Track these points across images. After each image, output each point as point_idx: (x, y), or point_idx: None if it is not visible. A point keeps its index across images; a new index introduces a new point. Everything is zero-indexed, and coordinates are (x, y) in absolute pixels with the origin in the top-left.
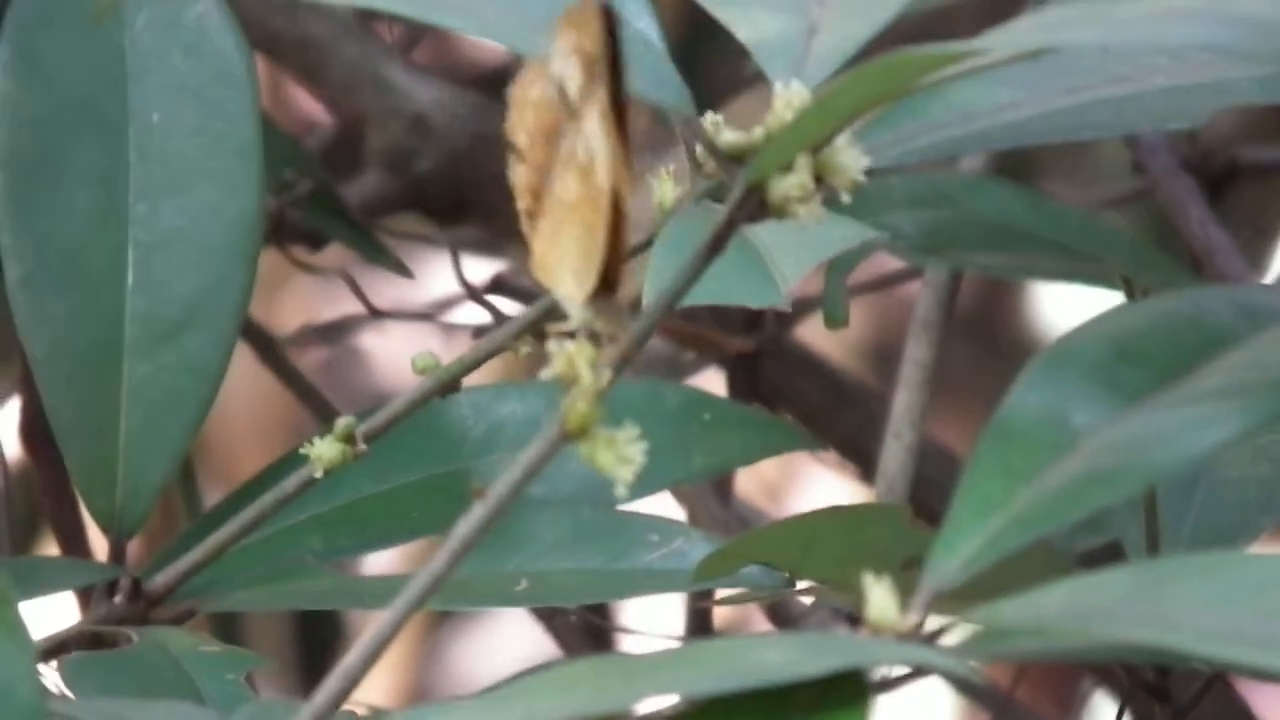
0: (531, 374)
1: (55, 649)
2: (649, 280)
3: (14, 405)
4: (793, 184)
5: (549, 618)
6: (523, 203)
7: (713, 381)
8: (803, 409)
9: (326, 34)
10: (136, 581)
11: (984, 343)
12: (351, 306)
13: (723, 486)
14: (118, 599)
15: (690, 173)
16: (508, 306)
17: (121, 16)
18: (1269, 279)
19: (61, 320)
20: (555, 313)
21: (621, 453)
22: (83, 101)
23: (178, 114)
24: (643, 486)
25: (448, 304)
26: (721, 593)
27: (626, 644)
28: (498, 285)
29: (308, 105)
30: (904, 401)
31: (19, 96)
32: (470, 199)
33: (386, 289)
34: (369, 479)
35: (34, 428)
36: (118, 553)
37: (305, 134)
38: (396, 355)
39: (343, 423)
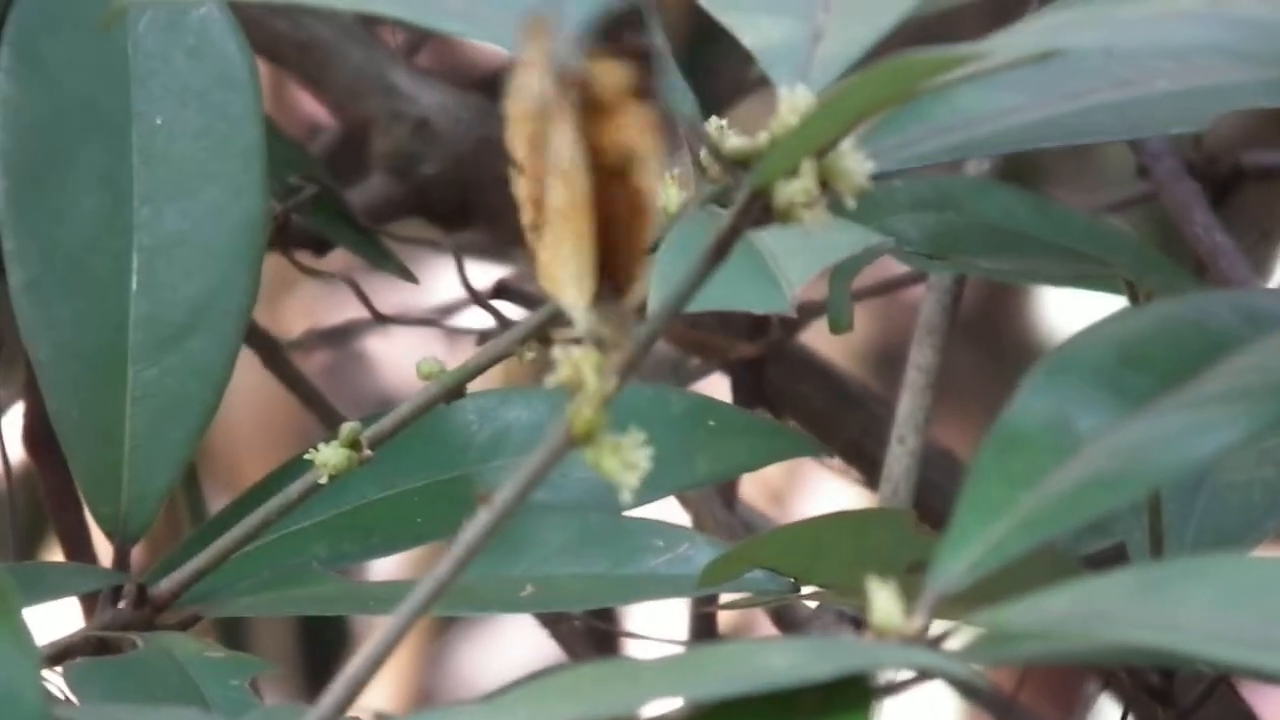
0: (536, 379)
1: (60, 654)
2: (654, 286)
3: (18, 410)
4: (797, 189)
5: (554, 623)
6: (525, 214)
7: (718, 387)
8: (807, 414)
9: (330, 38)
10: (141, 587)
11: (988, 347)
12: (356, 311)
13: (727, 491)
14: (122, 604)
15: (695, 178)
16: (512, 311)
17: (125, 20)
18: (1273, 283)
19: (66, 324)
20: (560, 318)
21: (626, 458)
22: (86, 104)
23: (181, 117)
24: (648, 492)
25: (452, 309)
26: (726, 597)
27: (631, 649)
28: (502, 290)
29: (312, 110)
30: (908, 406)
31: (22, 100)
32: (474, 203)
33: (391, 294)
34: (374, 484)
35: (38, 432)
36: (122, 558)
37: (309, 138)
38: (401, 360)
39: (348, 428)
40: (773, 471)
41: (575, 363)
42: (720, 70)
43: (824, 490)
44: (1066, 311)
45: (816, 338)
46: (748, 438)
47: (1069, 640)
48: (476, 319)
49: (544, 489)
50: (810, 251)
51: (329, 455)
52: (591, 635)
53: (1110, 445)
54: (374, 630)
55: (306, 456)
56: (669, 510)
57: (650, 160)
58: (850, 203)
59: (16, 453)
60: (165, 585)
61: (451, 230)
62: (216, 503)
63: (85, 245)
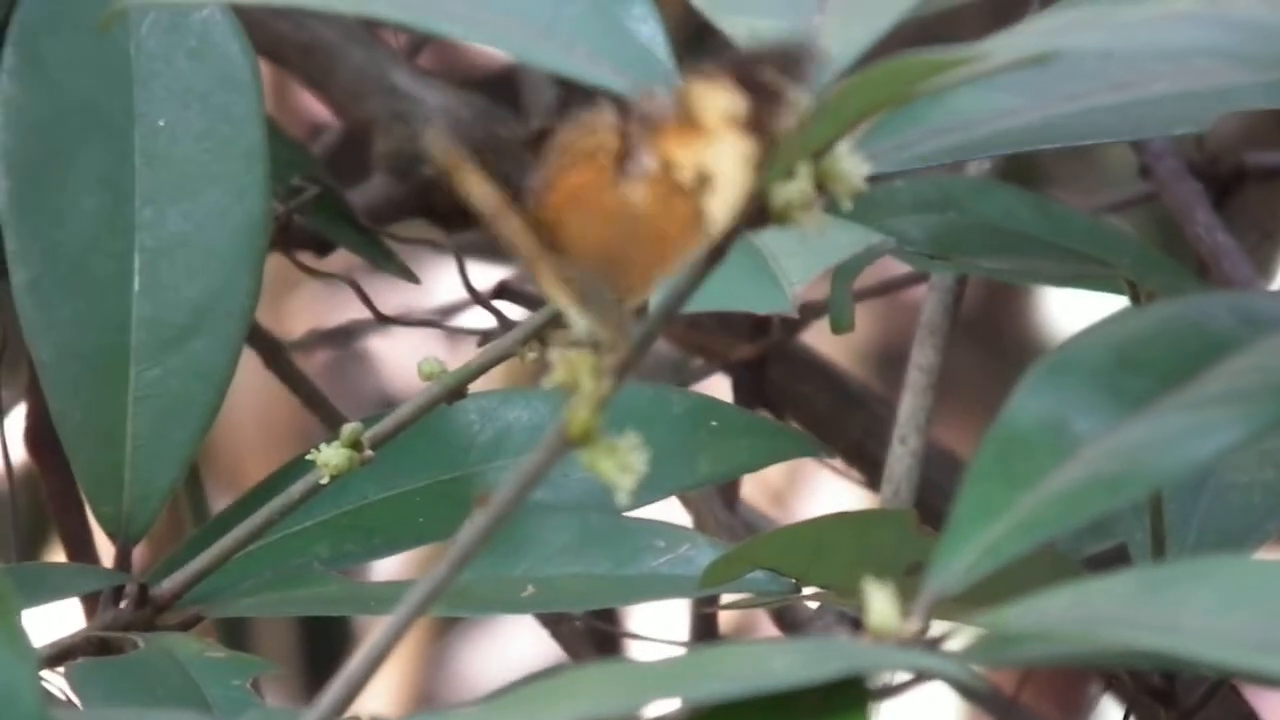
0: (537, 379)
1: (61, 655)
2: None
3: (21, 410)
4: (794, 191)
5: (555, 623)
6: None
7: (719, 387)
8: (808, 414)
9: (332, 39)
10: (143, 587)
11: (990, 347)
12: (358, 312)
13: (729, 492)
14: (124, 605)
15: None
16: (514, 312)
17: (127, 21)
18: (1276, 283)
19: (68, 325)
20: (560, 319)
21: (623, 460)
22: (88, 106)
23: (183, 118)
24: (649, 492)
25: (454, 310)
26: (727, 598)
27: (632, 649)
28: (503, 291)
29: (314, 111)
30: (910, 406)
31: (25, 100)
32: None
33: (393, 294)
34: (376, 485)
35: (40, 433)
36: (124, 558)
37: (311, 139)
38: (403, 361)
39: (349, 428)
40: (774, 472)
41: (571, 364)
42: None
43: (825, 491)
44: (1068, 312)
45: (818, 338)
46: (749, 438)
47: (1070, 642)
48: (478, 319)
49: (545, 489)
50: (811, 252)
51: (330, 455)
52: (592, 636)
53: (1109, 446)
54: (374, 630)
55: (308, 457)
56: (670, 511)
57: (728, 189)
58: (847, 205)
59: (19, 453)
60: (167, 585)
61: (453, 231)
62: (218, 503)
63: (87, 246)
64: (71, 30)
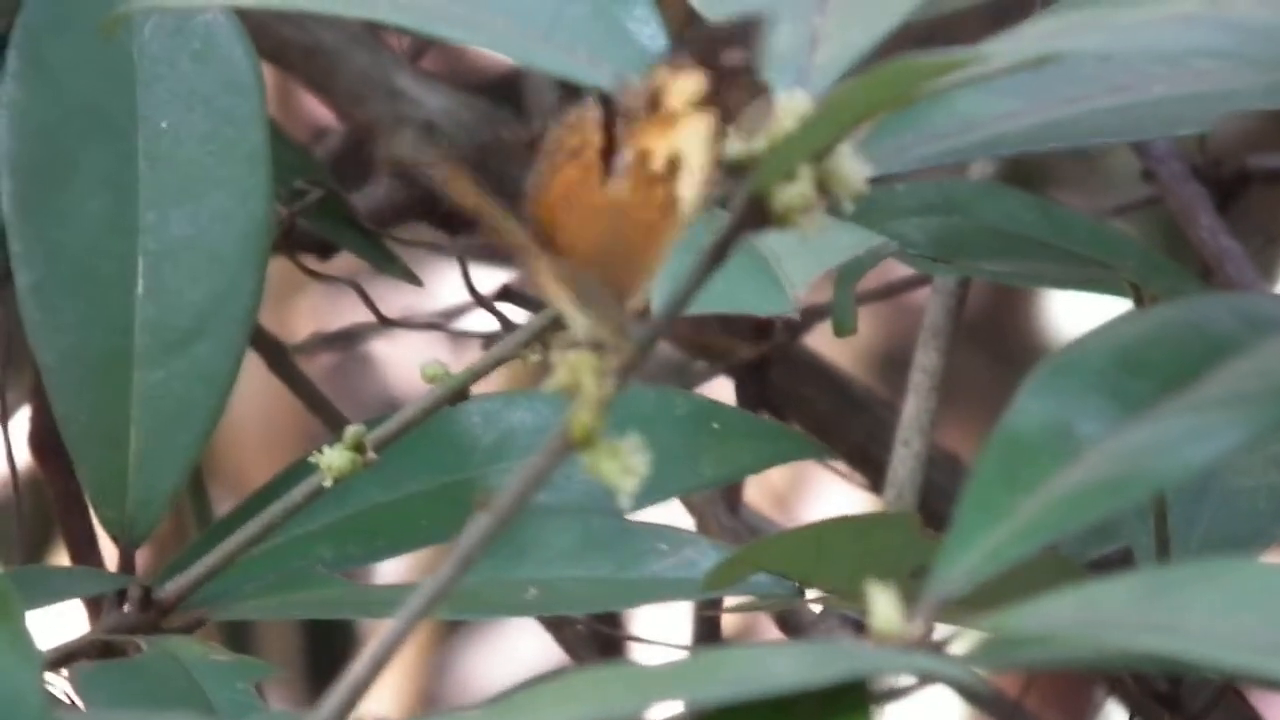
0: (540, 382)
1: (65, 658)
2: (654, 289)
3: (24, 414)
4: (795, 194)
5: (557, 626)
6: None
7: (722, 390)
8: (811, 417)
9: (336, 42)
10: (147, 590)
11: (993, 350)
12: (361, 315)
13: (732, 495)
14: (127, 608)
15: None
16: (516, 315)
17: (130, 24)
18: (1278, 286)
19: (72, 328)
20: (562, 321)
21: (625, 463)
22: (92, 109)
23: (187, 121)
24: (652, 495)
25: (457, 312)
26: (730, 601)
27: (635, 652)
28: (506, 294)
29: (317, 113)
30: (913, 409)
31: (28, 104)
32: None
33: (396, 297)
34: (379, 487)
35: (44, 436)
36: (128, 561)
37: (315, 142)
38: (406, 363)
39: (352, 431)
40: (777, 475)
41: (573, 367)
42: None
43: (828, 494)
44: (1072, 314)
45: (820, 341)
46: (752, 440)
47: (1074, 645)
48: (481, 322)
49: (547, 492)
50: (814, 254)
51: (333, 458)
52: (595, 639)
53: (1111, 449)
54: (378, 633)
55: (311, 459)
56: (673, 514)
57: (696, 169)
58: (849, 207)
59: (23, 457)
60: (170, 588)
61: (456, 234)
62: (222, 506)
63: (91, 249)
64: (75, 33)
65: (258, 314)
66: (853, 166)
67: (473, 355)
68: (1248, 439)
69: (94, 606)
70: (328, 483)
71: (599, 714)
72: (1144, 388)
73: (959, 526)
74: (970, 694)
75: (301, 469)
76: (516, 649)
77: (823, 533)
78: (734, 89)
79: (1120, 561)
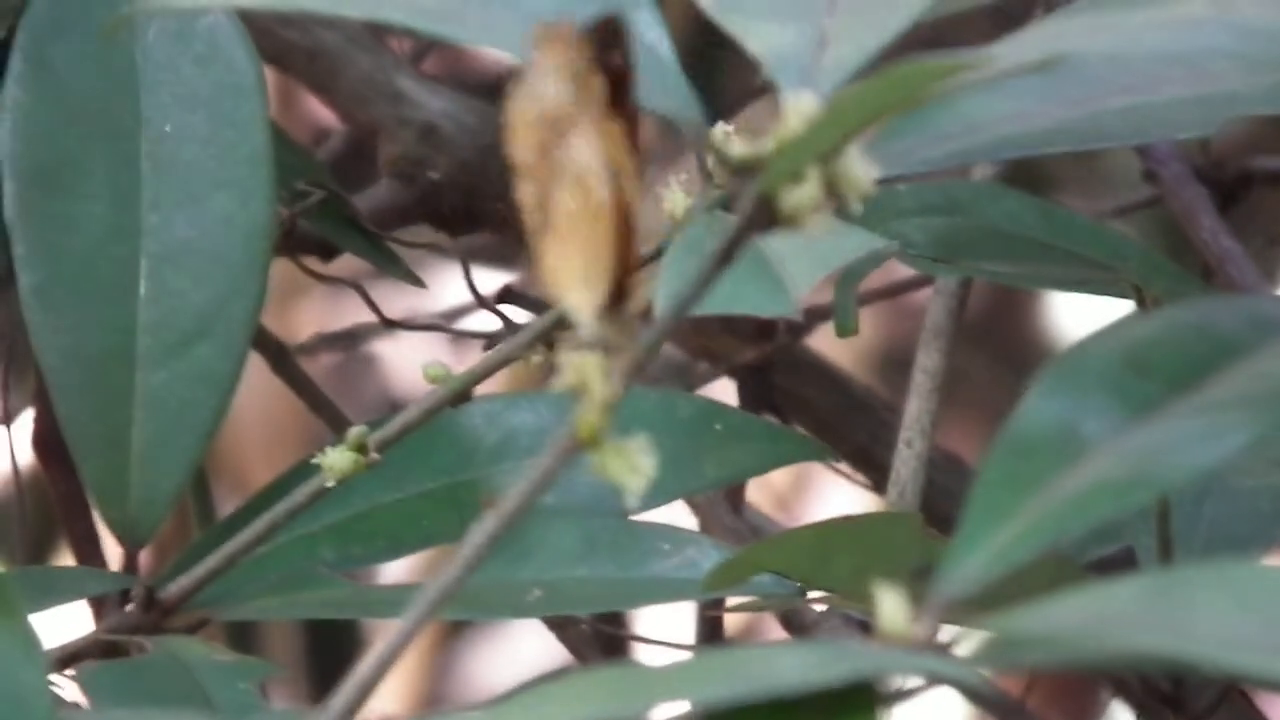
0: (543, 383)
1: (70, 658)
2: (660, 290)
3: (28, 415)
4: (803, 195)
5: (561, 626)
6: (530, 219)
7: (724, 391)
8: (814, 418)
9: (338, 45)
10: (150, 590)
11: (995, 351)
12: (363, 316)
13: (735, 496)
14: (131, 608)
15: (702, 183)
16: (519, 316)
17: (133, 27)
18: None
19: (74, 329)
20: (566, 322)
21: (632, 463)
22: (95, 111)
23: (189, 124)
24: (655, 496)
25: (459, 314)
26: (733, 601)
27: (639, 652)
28: (508, 295)
29: (319, 115)
30: (915, 410)
31: (32, 106)
32: (481, 208)
33: (398, 299)
34: (381, 488)
35: (47, 437)
36: (131, 562)
37: (317, 144)
38: (408, 364)
39: (355, 432)
40: (780, 476)
41: (580, 367)
42: (728, 75)
43: (831, 495)
44: (1074, 316)
45: (823, 342)
46: (755, 442)
47: (1079, 646)
48: (483, 323)
49: (551, 493)
50: (816, 255)
51: (336, 459)
52: (599, 639)
53: (1117, 451)
54: (382, 634)
55: (314, 460)
56: (677, 515)
57: (627, 174)
58: (856, 208)
59: (26, 458)
60: (174, 589)
61: (458, 235)
62: (225, 506)
63: (94, 251)
64: (78, 36)
65: (260, 315)
66: (861, 168)
67: (475, 356)
68: (1254, 440)
69: (98, 607)
70: (330, 483)
71: (603, 714)
72: (1150, 389)
73: (966, 527)
74: (975, 695)
75: (304, 470)
76: (520, 649)
77: (825, 533)
78: (622, 86)
79: (1123, 562)
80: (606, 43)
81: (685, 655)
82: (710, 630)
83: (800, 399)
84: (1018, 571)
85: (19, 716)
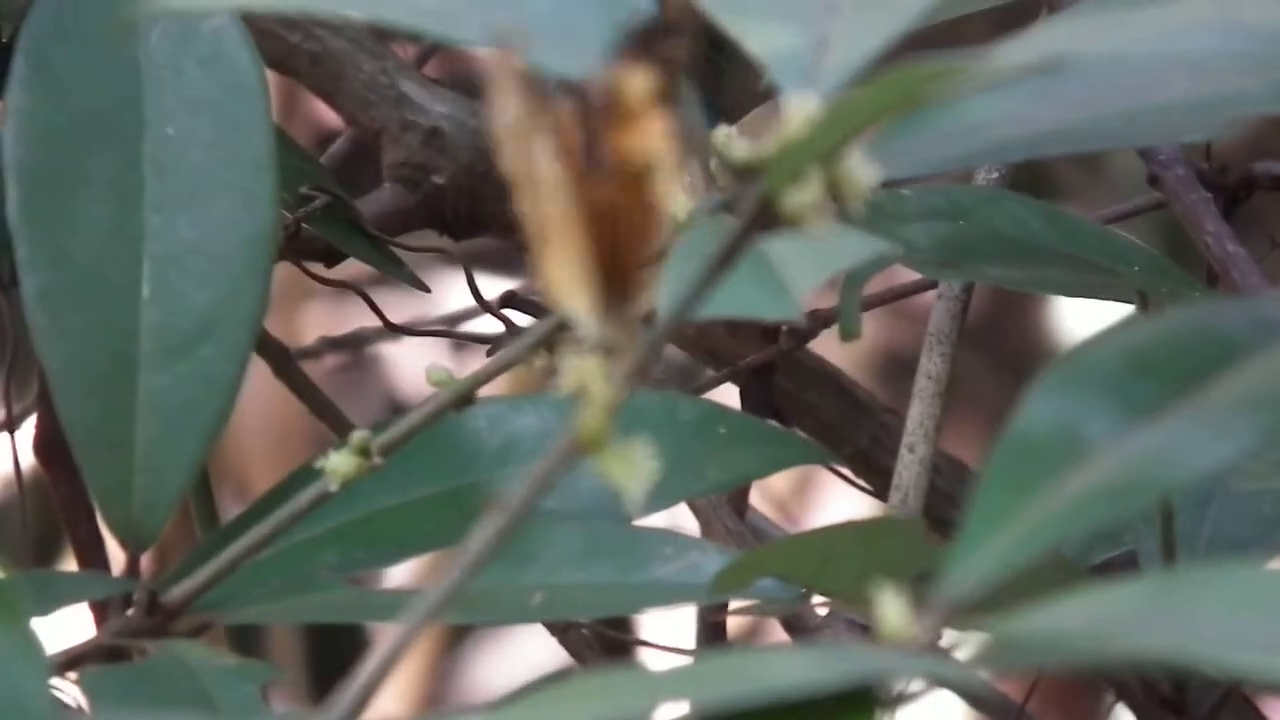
0: (546, 387)
1: (72, 662)
2: (662, 293)
3: (31, 419)
4: (805, 197)
5: (563, 630)
6: (528, 226)
7: (727, 394)
8: (816, 422)
9: (341, 48)
10: (153, 594)
11: (998, 355)
12: (367, 320)
13: (738, 500)
14: (133, 612)
15: (704, 185)
16: (522, 320)
17: (137, 30)
18: None
19: (77, 333)
20: (568, 326)
21: (635, 466)
22: (98, 114)
23: (193, 127)
24: (658, 500)
25: (462, 318)
26: (735, 604)
27: (641, 656)
28: (512, 299)
29: (324, 119)
30: (918, 414)
31: (34, 109)
32: (484, 212)
33: (402, 303)
34: (384, 492)
35: (50, 441)
36: (134, 565)
37: (321, 148)
38: (411, 368)
39: (358, 436)
40: (782, 480)
41: (581, 371)
42: (731, 77)
43: (834, 499)
44: (1078, 320)
45: (826, 346)
46: (758, 445)
47: (1080, 648)
48: (486, 328)
49: (553, 497)
50: (819, 259)
51: (339, 463)
52: (601, 642)
53: (1119, 453)
54: (385, 637)
55: (317, 464)
56: (679, 518)
57: (665, 167)
58: (858, 211)
59: (28, 461)
60: (177, 592)
61: (461, 239)
62: (228, 510)
63: (97, 254)
64: (82, 40)
65: (263, 319)
66: (863, 170)
67: (478, 360)
68: (1257, 443)
69: (100, 610)
70: (333, 487)
71: (604, 716)
72: (1152, 391)
73: (967, 530)
74: (975, 698)
75: (307, 474)
76: (522, 653)
77: (828, 538)
78: (674, 82)
79: (1125, 565)
80: (659, 37)
81: (687, 659)
82: (712, 634)
83: (803, 403)
84: (1019, 574)
85: None
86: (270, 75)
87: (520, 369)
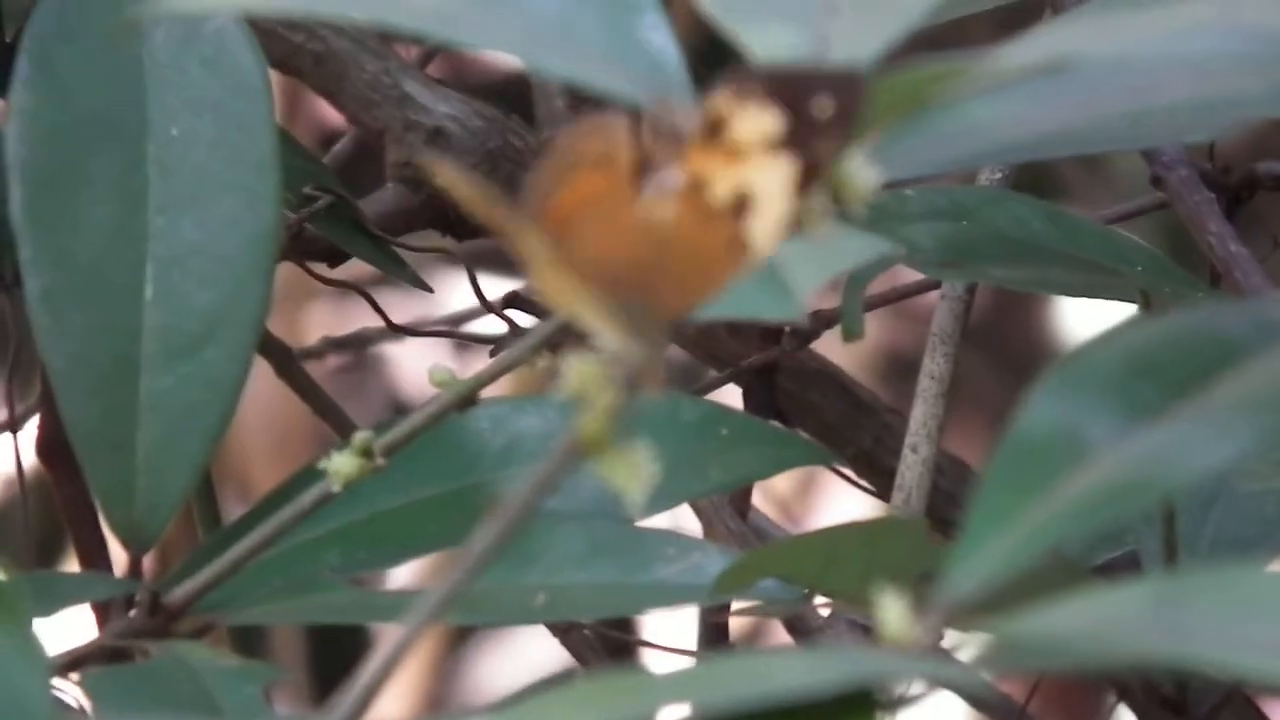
0: (548, 387)
1: (74, 663)
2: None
3: (34, 420)
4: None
5: (565, 631)
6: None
7: (729, 395)
8: (819, 422)
9: (345, 48)
10: (155, 595)
11: (1001, 356)
12: (370, 321)
13: (740, 500)
14: (135, 613)
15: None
16: (525, 321)
17: (140, 31)
18: None
19: (80, 333)
20: (571, 328)
21: (636, 468)
22: (101, 115)
23: (196, 127)
24: (660, 500)
25: (465, 318)
26: (737, 605)
27: (643, 657)
28: (515, 299)
29: (327, 119)
30: (920, 414)
31: (38, 109)
32: None
33: (405, 303)
34: (387, 493)
35: (53, 442)
36: (136, 566)
37: (324, 148)
38: (414, 369)
39: (360, 436)
40: (785, 481)
41: (582, 373)
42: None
43: (836, 499)
44: (1080, 320)
45: (828, 346)
46: (760, 446)
47: (1082, 650)
48: (489, 328)
49: (556, 497)
50: (822, 259)
51: (342, 463)
52: (603, 643)
53: (1121, 454)
54: (387, 638)
55: (319, 465)
56: (681, 519)
57: (769, 213)
58: (861, 211)
59: (31, 462)
60: (179, 593)
61: (464, 240)
62: (230, 511)
63: (100, 255)
64: (85, 40)
65: (266, 319)
66: (865, 172)
67: (481, 361)
68: (1258, 444)
69: (102, 611)
70: (336, 488)
71: (606, 718)
72: (1154, 392)
73: (968, 531)
74: (977, 699)
75: (310, 474)
76: (524, 653)
77: (831, 538)
78: (818, 139)
79: (1127, 566)
80: (824, 90)
81: (689, 660)
82: (714, 635)
83: (805, 403)
84: (1021, 575)
85: None
86: (274, 75)
87: (523, 369)
